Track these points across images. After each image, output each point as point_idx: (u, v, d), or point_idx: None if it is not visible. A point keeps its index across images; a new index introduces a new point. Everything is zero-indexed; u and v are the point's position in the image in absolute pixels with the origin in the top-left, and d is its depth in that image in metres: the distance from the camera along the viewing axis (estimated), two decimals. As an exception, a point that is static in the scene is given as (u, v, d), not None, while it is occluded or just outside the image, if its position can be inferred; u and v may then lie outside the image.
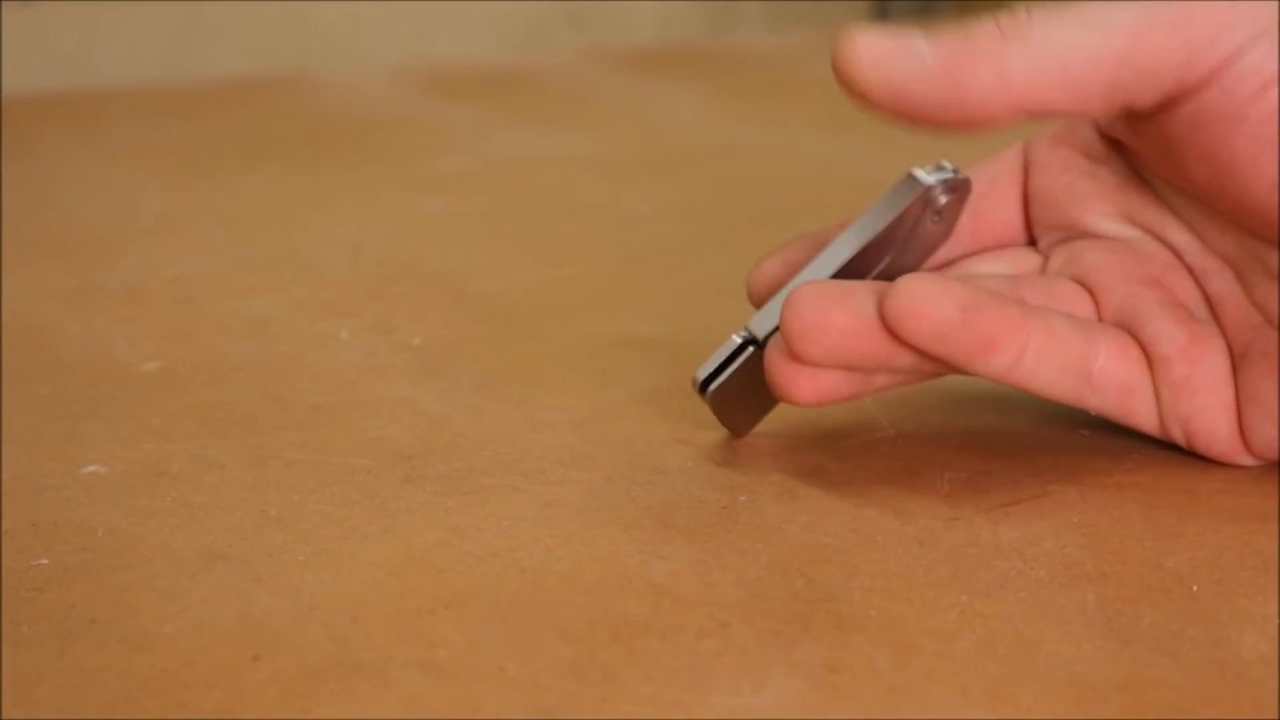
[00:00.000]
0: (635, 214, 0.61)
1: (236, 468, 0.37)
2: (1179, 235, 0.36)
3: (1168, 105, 0.32)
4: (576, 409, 0.40)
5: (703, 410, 0.39)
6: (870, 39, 0.32)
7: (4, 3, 1.10)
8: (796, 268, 0.36)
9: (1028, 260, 0.38)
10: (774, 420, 0.39)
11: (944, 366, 0.34)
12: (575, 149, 0.72)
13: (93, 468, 0.37)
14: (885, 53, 0.32)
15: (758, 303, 0.38)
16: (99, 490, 0.36)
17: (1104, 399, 0.35)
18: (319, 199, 0.64)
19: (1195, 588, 0.31)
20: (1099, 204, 0.37)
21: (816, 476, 0.36)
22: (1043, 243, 0.38)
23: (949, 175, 0.35)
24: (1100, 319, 0.36)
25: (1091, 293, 0.36)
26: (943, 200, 0.36)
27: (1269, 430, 0.34)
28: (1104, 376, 0.35)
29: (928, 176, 0.35)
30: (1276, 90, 0.31)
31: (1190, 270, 0.36)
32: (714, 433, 0.38)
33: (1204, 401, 0.35)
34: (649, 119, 0.79)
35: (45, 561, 0.32)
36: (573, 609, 0.30)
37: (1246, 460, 0.35)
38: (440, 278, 0.52)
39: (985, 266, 0.38)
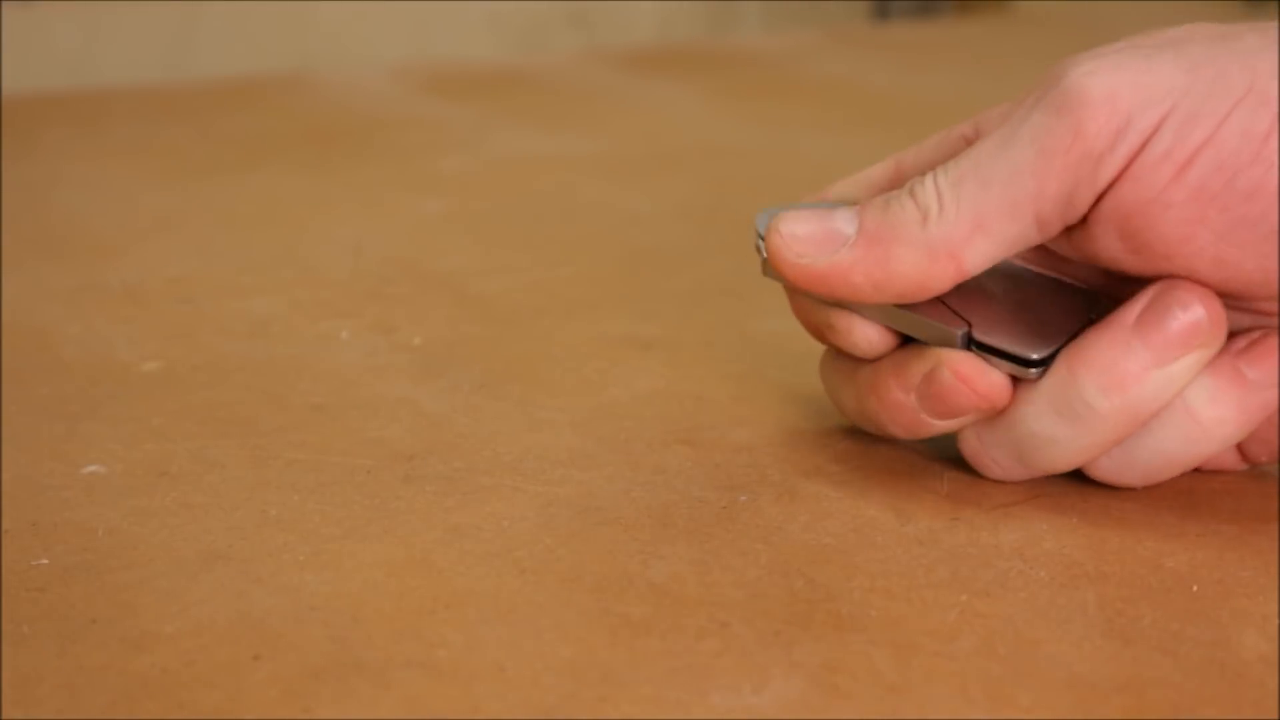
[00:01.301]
0: (635, 214, 0.61)
1: (236, 468, 0.37)
2: (1097, 279, 0.35)
3: (1090, 211, 0.32)
4: (576, 409, 0.40)
5: (703, 410, 0.39)
6: (793, 230, 0.34)
7: (4, 3, 1.10)
8: None
9: None
10: (774, 420, 0.39)
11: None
12: (575, 149, 0.72)
13: (93, 468, 0.37)
14: (806, 245, 0.33)
15: None
16: (99, 490, 0.36)
17: None
18: (319, 199, 0.64)
19: (1195, 588, 0.31)
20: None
21: (816, 476, 0.36)
22: None
23: None
24: None
25: None
26: None
27: (1257, 447, 0.34)
28: None
29: None
30: (1193, 169, 0.30)
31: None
32: (714, 433, 0.38)
33: None
34: (649, 119, 0.79)
35: (45, 561, 0.32)
36: (573, 609, 0.30)
37: (1244, 467, 0.35)
38: (440, 278, 0.52)
39: None
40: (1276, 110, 0.30)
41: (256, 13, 1.22)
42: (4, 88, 0.90)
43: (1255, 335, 0.33)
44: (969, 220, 0.32)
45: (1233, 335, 0.33)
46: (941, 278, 0.32)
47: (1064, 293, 0.34)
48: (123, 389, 0.42)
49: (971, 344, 0.33)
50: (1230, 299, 0.32)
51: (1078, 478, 0.35)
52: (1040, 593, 0.30)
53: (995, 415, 0.34)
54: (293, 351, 0.45)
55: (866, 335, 0.35)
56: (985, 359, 0.33)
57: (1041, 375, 0.33)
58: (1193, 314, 0.32)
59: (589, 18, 1.36)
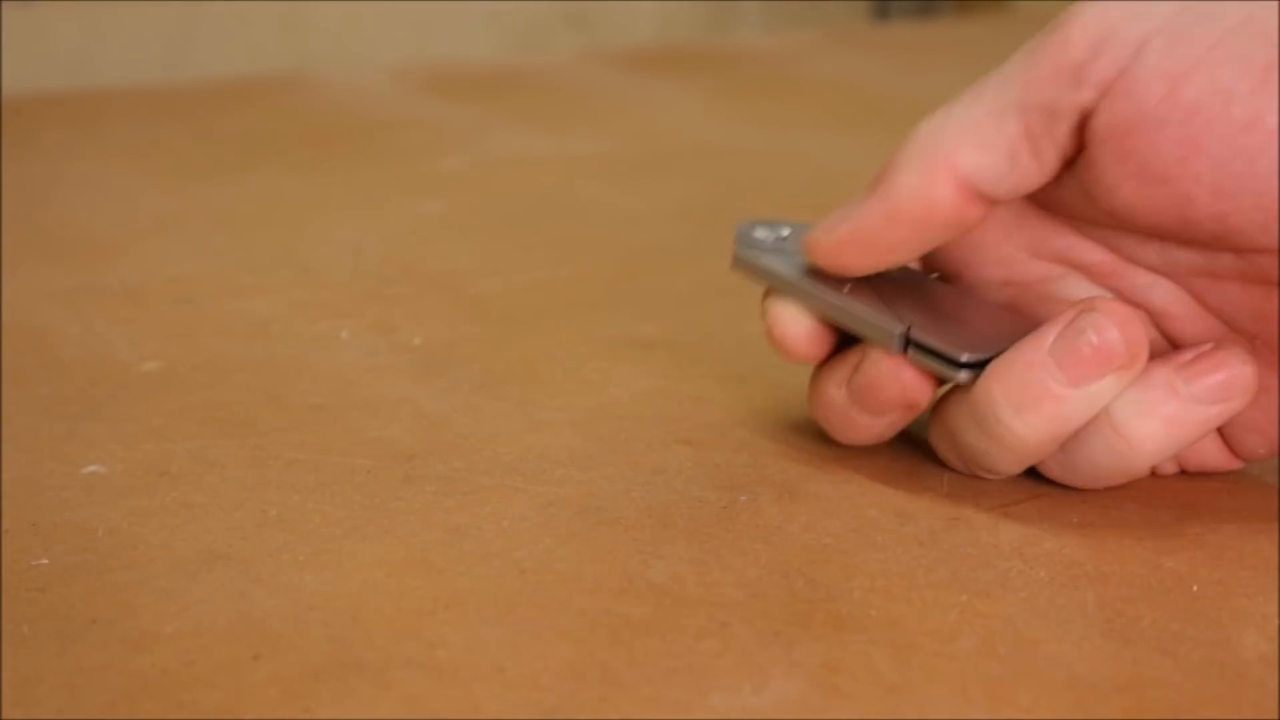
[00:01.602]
0: (635, 214, 0.61)
1: (236, 468, 0.37)
2: (1094, 254, 0.34)
3: (1086, 134, 0.31)
4: (576, 409, 0.40)
5: (703, 410, 0.39)
6: (788, 328, 0.36)
7: (4, 3, 1.10)
8: None
9: None
10: (774, 420, 0.39)
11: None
12: (575, 149, 0.72)
13: (93, 468, 0.37)
14: (836, 219, 0.34)
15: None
16: (99, 490, 0.36)
17: None
18: (319, 199, 0.64)
19: (1195, 588, 0.31)
20: (1002, 245, 0.35)
21: (816, 476, 0.36)
22: None
23: None
24: None
25: None
26: None
27: (1255, 438, 0.34)
28: None
29: None
30: (1187, 87, 0.30)
31: (1120, 291, 0.35)
32: (714, 433, 0.38)
33: None
34: (649, 119, 0.79)
35: (45, 561, 0.32)
36: (573, 609, 0.30)
37: (1237, 465, 0.35)
38: (440, 278, 0.52)
39: None
40: (1278, 43, 0.30)
41: (256, 13, 1.22)
42: (4, 88, 0.90)
43: (1205, 348, 0.33)
44: (960, 127, 0.32)
45: (1181, 346, 0.33)
46: (943, 189, 0.32)
47: (1016, 321, 0.34)
48: (123, 389, 0.42)
49: (909, 344, 0.34)
50: (1233, 240, 0.31)
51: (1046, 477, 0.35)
52: (1040, 593, 0.30)
53: (915, 413, 0.35)
54: (293, 351, 0.45)
55: (795, 332, 0.36)
56: (917, 359, 0.34)
57: (972, 380, 0.33)
58: (1107, 338, 0.32)
59: (589, 18, 1.36)
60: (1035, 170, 0.32)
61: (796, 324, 0.36)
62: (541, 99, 0.85)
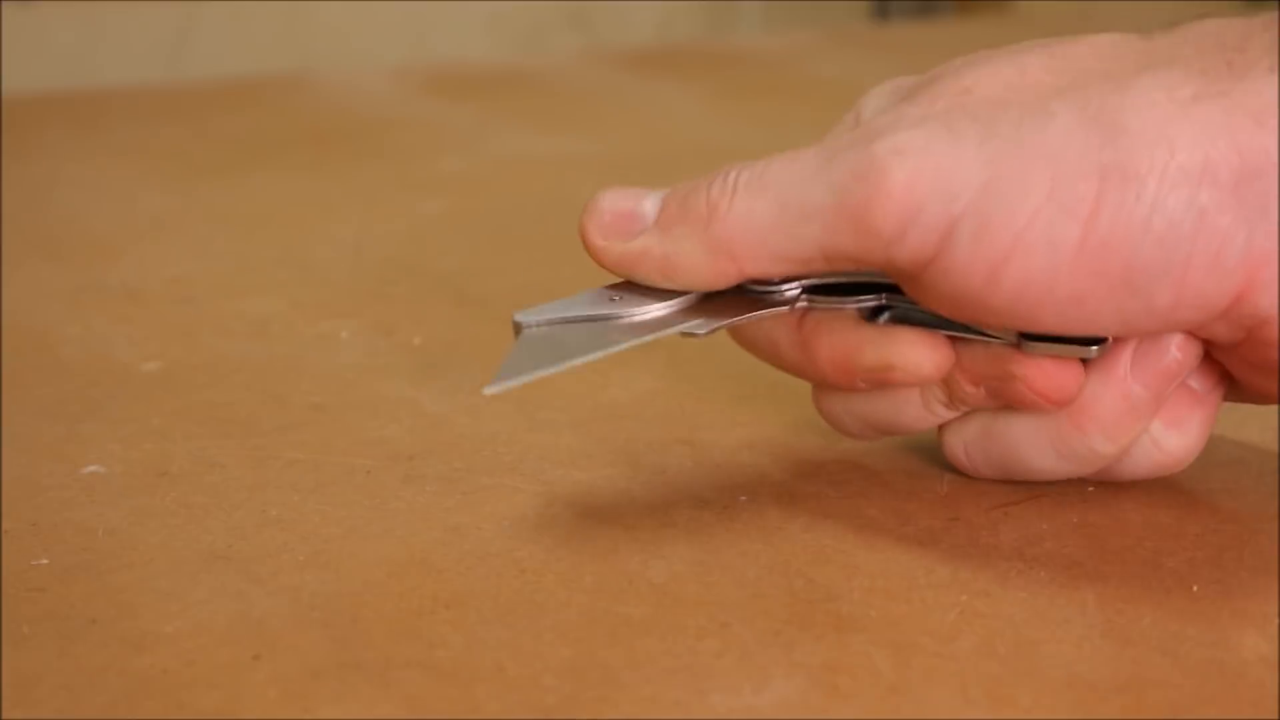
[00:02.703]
0: (635, 214, 0.61)
1: (236, 468, 0.37)
2: None
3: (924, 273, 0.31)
4: (576, 409, 0.40)
5: (703, 410, 0.39)
6: (603, 208, 0.34)
7: (4, 3, 1.10)
8: None
9: None
10: (774, 420, 0.39)
11: None
12: (575, 149, 0.72)
13: (93, 468, 0.37)
14: (611, 225, 0.34)
15: None
16: (99, 490, 0.36)
17: None
18: (319, 199, 0.64)
19: (1195, 588, 0.31)
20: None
21: (816, 476, 0.36)
22: None
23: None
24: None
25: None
26: None
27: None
28: None
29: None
30: (1004, 275, 0.29)
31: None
32: (714, 433, 0.38)
33: None
34: (649, 119, 0.79)
35: (45, 561, 0.32)
36: (573, 609, 0.30)
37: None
38: (440, 278, 0.52)
39: None
40: (1084, 216, 0.29)
41: (256, 13, 1.22)
42: (4, 88, 0.90)
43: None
44: (752, 234, 0.31)
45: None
46: (724, 276, 0.32)
47: None
48: (123, 389, 0.42)
49: (1021, 339, 0.32)
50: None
51: (1078, 479, 0.35)
52: (1040, 593, 0.30)
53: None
54: (293, 351, 0.45)
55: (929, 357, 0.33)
56: (1037, 348, 0.32)
57: (1101, 353, 0.32)
58: (1184, 350, 0.32)
59: (589, 18, 1.36)
60: (835, 269, 0.32)
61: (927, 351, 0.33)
62: (541, 99, 0.85)
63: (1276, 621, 0.29)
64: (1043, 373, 0.32)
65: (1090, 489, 0.34)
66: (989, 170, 0.29)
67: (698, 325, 0.33)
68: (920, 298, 0.32)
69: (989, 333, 0.32)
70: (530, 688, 0.27)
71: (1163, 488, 0.35)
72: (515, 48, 1.32)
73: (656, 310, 0.33)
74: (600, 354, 0.33)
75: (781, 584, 0.31)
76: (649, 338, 0.33)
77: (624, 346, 0.33)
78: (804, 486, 0.35)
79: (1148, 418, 0.32)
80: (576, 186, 0.65)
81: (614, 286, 0.34)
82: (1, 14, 1.09)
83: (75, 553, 0.33)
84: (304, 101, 0.83)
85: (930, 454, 0.36)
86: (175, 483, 0.36)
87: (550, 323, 0.34)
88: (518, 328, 0.34)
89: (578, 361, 0.33)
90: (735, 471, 0.36)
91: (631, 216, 0.33)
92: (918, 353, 0.33)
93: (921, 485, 0.35)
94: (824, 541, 0.33)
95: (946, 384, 0.33)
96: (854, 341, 0.33)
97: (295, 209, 0.62)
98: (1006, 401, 0.33)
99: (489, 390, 0.32)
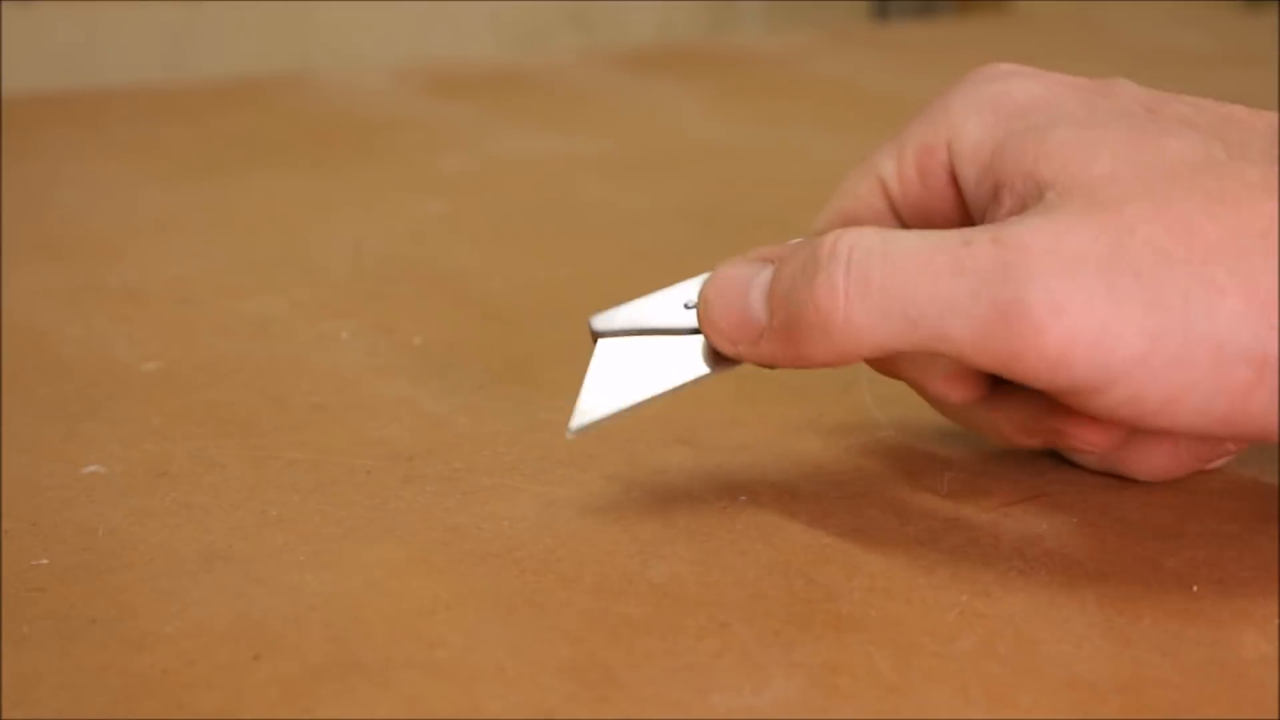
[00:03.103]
0: (636, 214, 0.61)
1: (236, 468, 0.37)
2: None
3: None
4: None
5: (703, 410, 0.39)
6: (715, 320, 0.33)
7: (4, 3, 1.10)
8: None
9: None
10: (774, 420, 0.39)
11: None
12: (575, 149, 0.72)
13: (93, 468, 0.37)
14: (731, 335, 0.33)
15: None
16: (99, 490, 0.36)
17: None
18: (319, 199, 0.64)
19: (1195, 588, 0.31)
20: None
21: (816, 476, 0.36)
22: None
23: None
24: None
25: None
26: None
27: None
28: None
29: None
30: (1160, 418, 0.29)
31: None
32: (714, 433, 0.38)
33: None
34: (649, 119, 0.79)
35: (45, 561, 0.32)
36: (573, 609, 0.30)
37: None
38: (440, 278, 0.52)
39: None
40: (1237, 394, 0.29)
41: (256, 13, 1.22)
42: (4, 88, 0.90)
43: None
44: (876, 345, 0.30)
45: None
46: (856, 360, 0.32)
47: None
48: (123, 389, 0.42)
49: None
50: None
51: (1078, 478, 0.35)
52: (1040, 593, 0.30)
53: None
54: (293, 351, 0.45)
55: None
56: None
57: None
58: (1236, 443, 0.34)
59: (589, 18, 1.36)
60: None
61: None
62: (542, 99, 0.85)
63: (1276, 621, 0.29)
64: (1097, 430, 0.33)
65: (1090, 489, 0.34)
66: (1150, 344, 0.28)
67: None
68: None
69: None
70: (530, 688, 0.27)
71: (1163, 488, 0.35)
72: (515, 48, 1.32)
73: None
74: (679, 385, 0.33)
75: (781, 584, 0.31)
76: (724, 370, 0.33)
77: (700, 377, 0.33)
78: (804, 486, 0.35)
79: (1190, 468, 0.34)
80: (576, 186, 0.65)
81: (687, 287, 0.34)
82: (1, 14, 1.09)
83: (75, 553, 0.33)
84: (304, 101, 0.83)
85: (930, 454, 0.36)
86: (175, 483, 0.36)
87: (627, 332, 0.34)
88: (595, 335, 0.34)
89: (659, 393, 0.33)
90: (735, 471, 0.36)
91: (745, 319, 0.32)
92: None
93: (921, 485, 0.35)
94: (824, 541, 0.33)
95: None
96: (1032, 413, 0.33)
97: (295, 209, 0.62)
98: (1053, 446, 0.34)
99: (574, 430, 0.33)
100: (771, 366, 0.33)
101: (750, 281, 0.32)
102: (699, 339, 0.33)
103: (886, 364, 0.34)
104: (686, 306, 0.34)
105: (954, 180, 0.34)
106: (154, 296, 0.50)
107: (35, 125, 0.76)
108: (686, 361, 0.34)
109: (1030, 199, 0.31)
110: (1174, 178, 0.29)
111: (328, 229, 0.59)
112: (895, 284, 0.30)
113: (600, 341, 0.34)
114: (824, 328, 0.30)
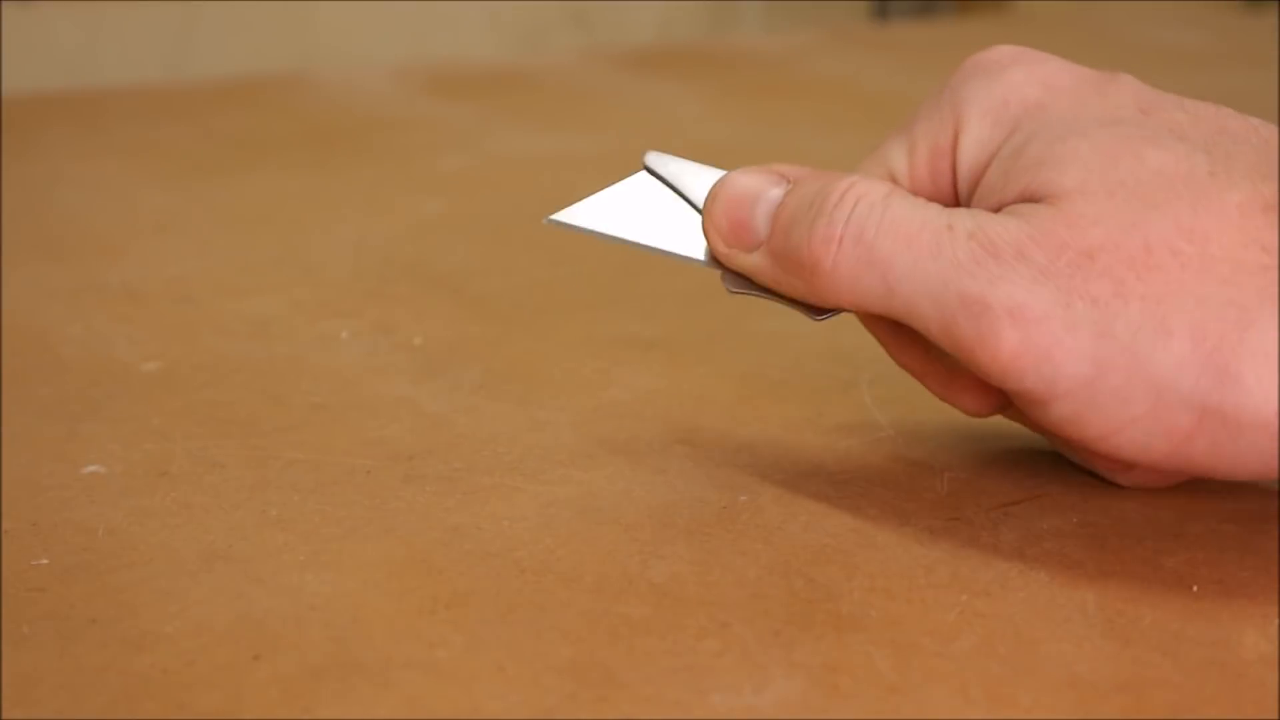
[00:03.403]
0: (635, 214, 0.61)
1: (236, 468, 0.37)
2: None
3: None
4: (576, 409, 0.40)
5: (703, 410, 0.39)
6: (718, 213, 0.34)
7: (4, 3, 1.10)
8: None
9: None
10: (774, 420, 0.39)
11: None
12: (575, 149, 0.72)
13: (93, 468, 0.37)
14: (729, 231, 0.34)
15: None
16: (99, 490, 0.36)
17: None
18: (319, 199, 0.64)
19: (1195, 588, 0.31)
20: None
21: (816, 476, 0.36)
22: None
23: None
24: None
25: None
26: None
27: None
28: None
29: None
30: (1103, 444, 0.30)
31: None
32: (714, 433, 0.38)
33: None
34: (649, 119, 0.79)
35: (45, 561, 0.32)
36: (573, 609, 0.30)
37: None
38: (440, 278, 0.52)
39: None
40: (1176, 440, 0.29)
41: (256, 13, 1.22)
42: (4, 88, 0.90)
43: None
44: (854, 297, 0.32)
45: None
46: (834, 306, 0.33)
47: None
48: (123, 389, 0.42)
49: None
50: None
51: (1078, 478, 0.35)
52: (1040, 593, 0.30)
53: None
54: (293, 351, 0.45)
55: None
56: None
57: None
58: None
59: (589, 18, 1.36)
60: None
61: None
62: (542, 99, 0.85)
63: (1276, 621, 0.29)
64: (976, 397, 0.34)
65: (1090, 489, 0.34)
66: (1095, 370, 0.29)
67: (733, 281, 0.34)
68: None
69: None
70: (530, 688, 0.27)
71: (1163, 488, 0.35)
72: (515, 48, 1.32)
73: None
74: (668, 251, 0.35)
75: (781, 584, 0.31)
76: (713, 268, 0.35)
77: (691, 259, 0.35)
78: (804, 486, 0.35)
79: (1169, 482, 0.34)
80: (576, 186, 0.65)
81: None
82: (1, 14, 1.09)
83: (75, 553, 0.33)
84: (304, 101, 0.83)
85: (930, 454, 0.36)
86: (175, 483, 0.36)
87: (668, 184, 0.36)
88: (645, 166, 0.36)
89: (647, 245, 0.35)
90: (735, 471, 0.36)
91: (745, 227, 0.34)
92: None
93: (921, 485, 0.35)
94: (824, 541, 0.33)
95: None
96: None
97: (295, 209, 0.62)
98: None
99: (550, 220, 0.36)
100: (751, 280, 0.34)
101: (761, 194, 0.34)
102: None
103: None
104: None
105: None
106: (154, 296, 0.50)
107: (35, 125, 0.76)
108: (690, 237, 0.35)
109: (1016, 202, 0.31)
110: (1146, 199, 0.30)
111: (328, 229, 0.59)
112: (882, 246, 0.31)
113: (642, 172, 0.36)
114: (812, 269, 0.32)
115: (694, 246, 0.35)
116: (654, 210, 0.35)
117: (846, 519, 0.34)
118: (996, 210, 0.31)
